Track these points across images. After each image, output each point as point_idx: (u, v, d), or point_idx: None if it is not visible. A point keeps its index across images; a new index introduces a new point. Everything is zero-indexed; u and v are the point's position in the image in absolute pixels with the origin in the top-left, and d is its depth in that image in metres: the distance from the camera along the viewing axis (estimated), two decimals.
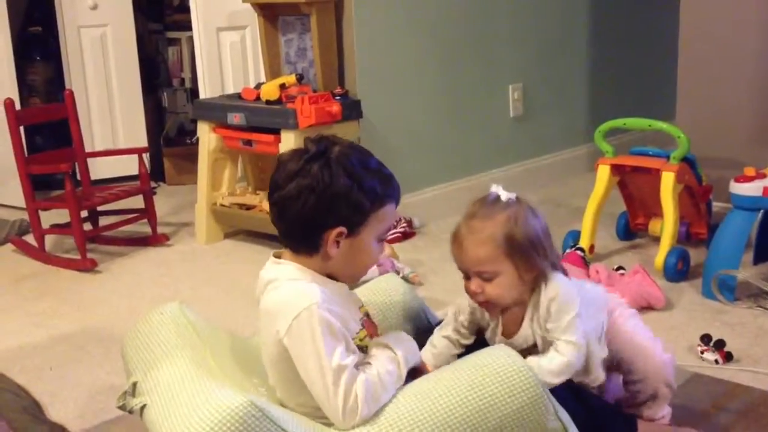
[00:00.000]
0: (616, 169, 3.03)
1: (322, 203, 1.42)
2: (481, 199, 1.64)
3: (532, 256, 1.59)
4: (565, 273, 1.68)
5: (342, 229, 1.43)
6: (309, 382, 1.39)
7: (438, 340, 1.75)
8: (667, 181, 2.85)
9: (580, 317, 1.61)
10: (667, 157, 2.91)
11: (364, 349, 1.49)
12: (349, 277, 1.53)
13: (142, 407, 1.47)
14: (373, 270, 2.38)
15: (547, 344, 1.64)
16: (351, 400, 1.36)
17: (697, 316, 2.58)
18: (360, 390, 1.37)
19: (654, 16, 4.57)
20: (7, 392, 1.31)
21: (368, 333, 1.52)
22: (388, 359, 1.46)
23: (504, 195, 1.62)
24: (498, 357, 1.47)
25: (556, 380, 1.58)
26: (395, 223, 3.45)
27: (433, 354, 1.72)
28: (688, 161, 2.94)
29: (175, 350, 1.54)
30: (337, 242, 1.45)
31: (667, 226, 2.86)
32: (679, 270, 2.82)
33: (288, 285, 1.45)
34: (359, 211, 1.43)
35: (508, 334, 1.68)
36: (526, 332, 1.66)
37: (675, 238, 2.87)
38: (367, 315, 1.57)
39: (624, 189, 3.16)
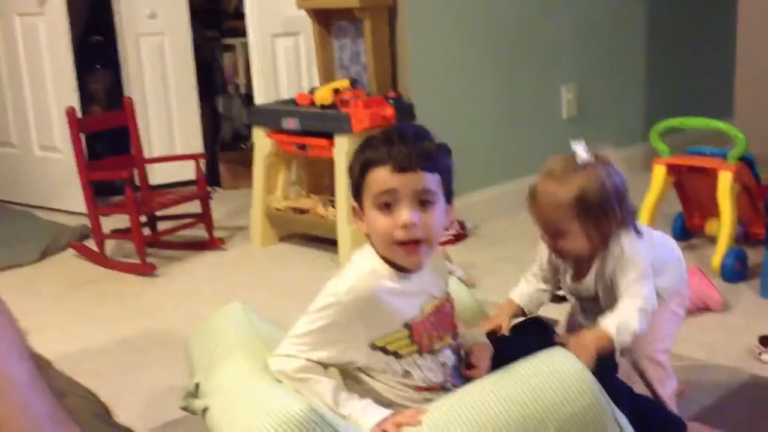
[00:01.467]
0: (672, 169, 3.00)
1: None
2: (560, 158, 1.71)
3: (600, 218, 1.67)
4: (638, 231, 1.73)
5: (354, 203, 1.49)
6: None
7: (527, 280, 1.88)
8: (725, 180, 2.81)
9: (647, 276, 1.67)
10: (725, 157, 2.87)
11: (393, 353, 1.46)
12: (389, 253, 1.45)
13: (204, 409, 1.49)
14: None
15: (612, 299, 1.71)
16: (282, 364, 1.46)
17: (755, 316, 2.54)
18: (296, 372, 1.44)
19: (711, 13, 4.49)
20: (79, 397, 1.36)
21: (417, 336, 1.46)
22: (355, 406, 1.44)
23: (582, 156, 1.68)
24: (555, 360, 1.45)
25: (638, 328, 1.63)
26: (447, 227, 3.45)
27: (520, 295, 1.85)
28: (745, 161, 2.89)
29: (237, 351, 1.56)
30: (360, 217, 1.49)
31: (724, 226, 2.82)
32: (736, 271, 2.78)
33: (347, 268, 1.49)
34: (353, 180, 1.48)
35: (577, 280, 1.79)
36: (589, 282, 1.76)
37: (732, 238, 2.83)
38: (436, 312, 1.51)
39: (680, 189, 3.12)
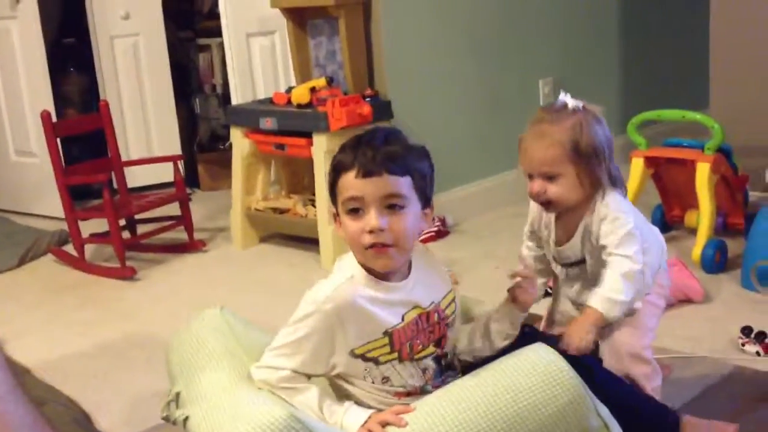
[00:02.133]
0: (650, 161, 3.01)
1: None
2: (549, 105, 1.75)
3: (593, 162, 1.68)
4: (625, 192, 1.76)
5: (332, 207, 1.49)
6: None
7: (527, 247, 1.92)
8: (703, 172, 2.83)
9: (637, 235, 1.68)
10: (702, 148, 2.89)
11: (372, 360, 1.45)
12: (360, 257, 1.44)
13: (185, 419, 1.48)
14: None
15: (599, 262, 1.71)
16: (266, 375, 1.46)
17: (736, 307, 2.55)
18: (279, 382, 1.44)
19: (684, 4, 4.52)
20: (57, 404, 1.34)
21: (397, 344, 1.45)
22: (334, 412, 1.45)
23: (571, 102, 1.71)
24: (537, 357, 1.45)
25: (625, 297, 1.65)
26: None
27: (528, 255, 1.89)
28: (723, 151, 2.91)
29: (216, 359, 1.55)
30: (337, 222, 1.48)
31: (703, 217, 2.84)
32: (717, 262, 2.80)
33: (328, 277, 1.48)
34: (329, 188, 1.48)
35: (560, 243, 1.79)
36: (575, 244, 1.76)
37: (712, 229, 2.84)
38: (419, 320, 1.48)
39: (659, 181, 3.13)
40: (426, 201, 1.48)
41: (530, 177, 1.73)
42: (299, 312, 1.44)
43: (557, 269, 1.86)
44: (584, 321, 1.66)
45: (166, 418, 1.56)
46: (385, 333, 1.44)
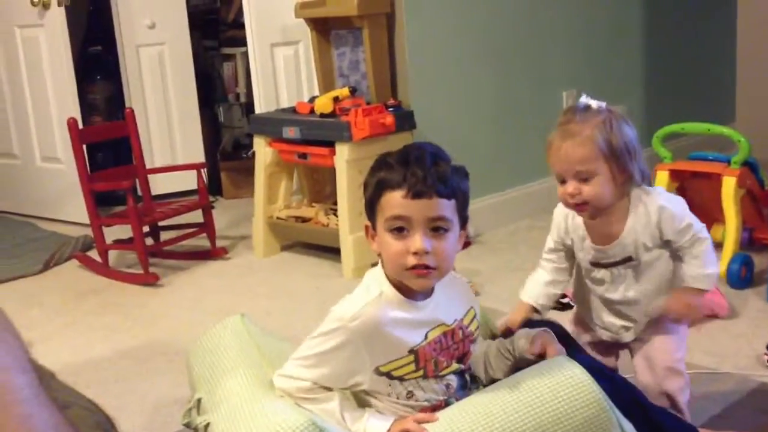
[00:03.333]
0: (675, 174, 2.98)
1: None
2: (573, 108, 1.73)
3: (625, 158, 1.67)
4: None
5: (367, 222, 1.47)
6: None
7: (531, 278, 1.87)
8: (729, 186, 2.80)
9: (691, 217, 1.73)
10: (728, 162, 2.86)
11: (398, 378, 1.44)
12: (399, 276, 1.42)
13: (206, 425, 1.49)
14: None
15: (655, 258, 1.73)
16: (288, 384, 1.46)
17: (762, 323, 2.52)
18: (300, 393, 1.44)
19: (711, 16, 4.49)
20: (80, 408, 1.35)
21: (422, 361, 1.44)
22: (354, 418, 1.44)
23: (594, 103, 1.72)
24: (560, 370, 1.44)
25: (716, 269, 1.73)
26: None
27: (531, 294, 1.84)
28: (749, 165, 2.88)
29: (237, 367, 1.55)
30: (372, 237, 1.47)
31: (729, 232, 2.81)
32: (742, 277, 2.77)
33: (356, 292, 1.47)
34: (367, 202, 1.46)
35: (602, 243, 1.76)
36: (625, 240, 1.73)
37: (738, 244, 2.81)
38: (443, 338, 1.47)
39: (683, 195, 3.08)
40: (464, 222, 1.47)
41: (562, 181, 1.71)
42: (325, 326, 1.43)
43: (597, 273, 1.81)
44: (685, 293, 1.72)
45: (188, 425, 1.56)
46: (411, 351, 1.44)
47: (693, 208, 3.09)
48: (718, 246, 2.93)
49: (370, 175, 1.45)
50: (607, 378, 1.49)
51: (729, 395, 2.10)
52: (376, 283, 1.45)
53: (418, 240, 1.38)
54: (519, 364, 1.56)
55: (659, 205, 1.71)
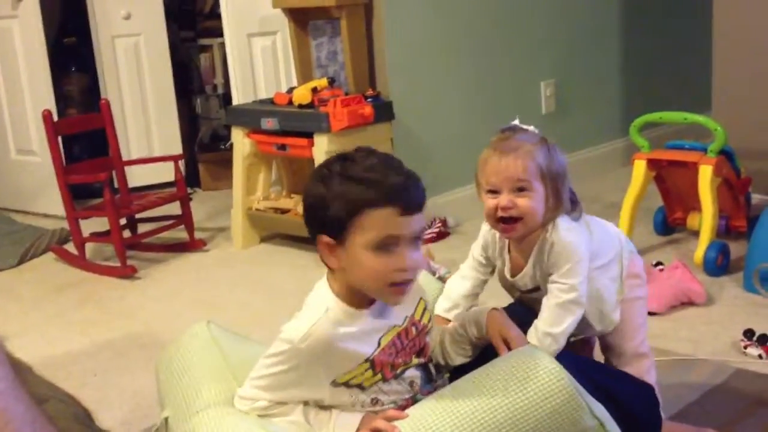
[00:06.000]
0: (652, 163, 3.00)
1: (307, 212, 1.41)
2: (509, 128, 1.70)
3: (559, 182, 1.65)
4: (579, 214, 1.72)
5: (327, 238, 1.37)
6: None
7: (455, 289, 1.79)
8: (705, 174, 2.82)
9: (582, 266, 1.64)
10: (705, 150, 2.88)
11: (356, 386, 1.42)
12: (373, 292, 1.39)
13: None
14: None
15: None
16: (247, 406, 1.44)
17: (739, 310, 2.55)
18: (262, 411, 1.42)
19: (687, 6, 4.52)
20: (58, 401, 1.34)
21: (378, 367, 1.42)
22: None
23: (529, 127, 1.70)
24: (527, 360, 1.43)
25: (560, 329, 1.62)
26: (429, 223, 3.45)
27: (446, 309, 1.76)
28: (725, 154, 2.90)
29: (203, 382, 1.53)
30: (333, 252, 1.38)
31: (705, 220, 2.83)
32: (719, 264, 2.79)
33: (303, 311, 1.43)
34: (334, 218, 1.34)
35: (514, 274, 1.73)
36: (528, 272, 1.70)
37: (714, 231, 2.84)
38: (397, 339, 1.44)
39: (661, 183, 3.13)
40: None
41: (491, 192, 1.65)
42: (276, 347, 1.39)
43: (514, 295, 1.81)
44: (513, 338, 1.59)
45: None
46: (366, 360, 1.41)
47: (670, 196, 3.15)
48: (695, 234, 2.97)
49: (332, 188, 1.35)
50: (570, 359, 1.49)
51: (706, 382, 2.12)
52: (321, 299, 1.41)
53: (408, 257, 1.34)
54: (478, 348, 1.56)
55: (556, 237, 1.65)
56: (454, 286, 1.80)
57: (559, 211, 1.66)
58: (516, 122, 1.72)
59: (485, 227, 1.78)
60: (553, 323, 1.63)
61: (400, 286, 1.36)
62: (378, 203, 1.32)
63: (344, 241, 1.35)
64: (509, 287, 1.80)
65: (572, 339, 1.78)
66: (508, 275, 1.75)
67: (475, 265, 1.80)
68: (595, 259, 1.70)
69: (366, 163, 1.36)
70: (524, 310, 1.74)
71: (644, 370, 1.79)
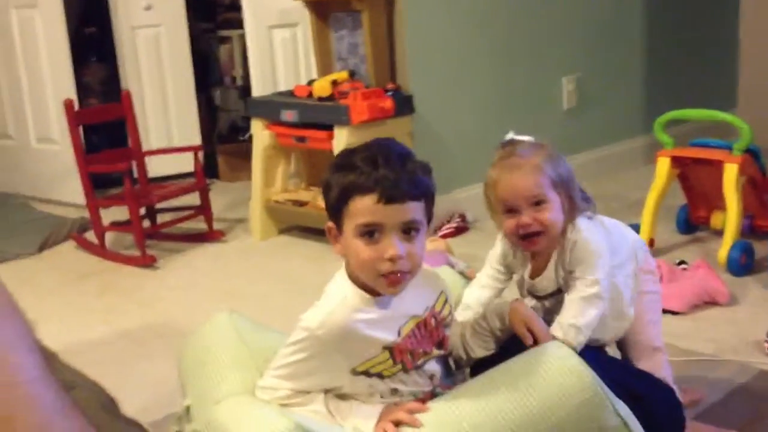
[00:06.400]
0: (676, 161, 2.98)
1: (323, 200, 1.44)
2: (507, 143, 1.68)
3: (569, 186, 1.65)
4: (594, 212, 1.71)
5: (331, 224, 1.41)
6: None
7: (474, 298, 1.75)
8: (730, 173, 2.79)
9: (604, 261, 1.64)
10: (730, 149, 2.85)
11: (376, 375, 1.42)
12: (369, 281, 1.39)
13: None
14: None
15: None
16: (268, 395, 1.45)
17: (762, 311, 2.52)
18: (282, 400, 1.43)
19: (713, 2, 4.47)
20: (85, 389, 1.34)
21: (398, 356, 1.42)
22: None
23: (525, 138, 1.69)
24: (550, 357, 1.42)
25: (585, 321, 1.60)
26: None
27: (466, 318, 1.72)
28: (751, 152, 2.87)
29: (225, 371, 1.53)
30: (336, 239, 1.42)
31: (730, 219, 2.80)
32: (743, 264, 2.76)
33: (322, 299, 1.43)
34: (331, 204, 1.39)
35: (534, 276, 1.72)
36: (549, 275, 1.69)
37: (738, 231, 2.81)
38: (417, 329, 1.45)
39: (684, 181, 3.10)
40: (430, 219, 1.42)
41: (510, 212, 1.63)
42: (295, 335, 1.41)
43: (531, 303, 1.78)
44: (539, 333, 1.58)
45: None
46: (385, 348, 1.41)
47: (694, 194, 3.12)
48: (718, 233, 2.94)
49: (333, 176, 1.39)
50: (592, 356, 1.47)
51: (729, 382, 2.10)
52: (338, 287, 1.42)
53: (392, 246, 1.34)
54: (500, 341, 1.55)
55: (577, 236, 1.65)
56: (474, 295, 1.78)
57: (576, 213, 1.66)
58: (511, 135, 1.70)
59: (501, 236, 1.76)
60: (578, 315, 1.62)
61: (390, 277, 1.36)
62: (363, 190, 1.34)
63: (341, 228, 1.39)
64: (527, 292, 1.78)
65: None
66: (527, 277, 1.74)
67: (493, 273, 1.79)
68: (612, 257, 1.69)
69: (365, 153, 1.38)
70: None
71: (659, 365, 1.78)
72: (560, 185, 1.63)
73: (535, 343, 1.50)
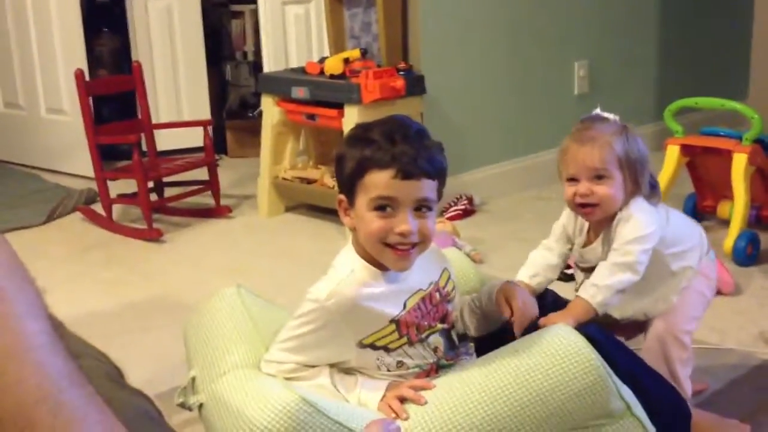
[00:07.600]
0: (685, 149, 2.97)
1: (335, 173, 1.46)
2: (590, 117, 1.77)
3: (638, 169, 1.70)
4: (657, 200, 1.76)
5: (343, 197, 1.43)
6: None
7: (538, 259, 1.83)
8: (739, 162, 2.79)
9: (646, 241, 1.68)
10: (740, 138, 2.84)
11: (383, 348, 1.44)
12: (377, 254, 1.41)
13: (200, 405, 1.49)
14: None
15: None
16: (273, 369, 1.46)
17: (767, 301, 2.52)
18: (288, 374, 1.44)
19: None
20: (91, 358, 1.35)
21: (404, 329, 1.44)
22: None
23: (610, 115, 1.75)
24: (556, 338, 1.43)
25: (610, 282, 1.65)
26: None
27: (530, 276, 1.81)
28: (761, 143, 2.86)
29: (231, 344, 1.54)
30: (347, 212, 1.44)
31: (737, 208, 2.80)
32: (748, 254, 2.76)
33: (329, 272, 1.45)
34: (345, 177, 1.41)
35: (585, 245, 1.80)
36: (596, 247, 1.77)
37: (745, 221, 2.81)
38: (422, 303, 1.47)
39: (693, 170, 3.09)
40: (439, 198, 1.44)
41: (571, 181, 1.72)
42: (303, 307, 1.42)
43: (578, 275, 1.84)
44: (567, 313, 1.64)
45: (182, 404, 1.56)
46: (392, 321, 1.43)
47: (702, 183, 3.11)
48: (725, 223, 2.94)
49: (349, 148, 1.40)
50: (602, 342, 1.48)
51: (731, 371, 2.11)
52: (346, 260, 1.44)
53: (404, 222, 1.36)
54: (489, 321, 1.57)
55: (627, 213, 1.71)
56: (538, 256, 1.85)
57: (637, 195, 1.72)
58: (597, 111, 1.78)
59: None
60: (603, 277, 1.68)
61: (399, 250, 1.38)
62: (381, 164, 1.35)
63: (354, 201, 1.40)
64: (575, 265, 1.86)
65: (623, 321, 1.82)
66: (579, 246, 1.82)
67: (556, 238, 1.87)
68: (671, 246, 1.75)
69: (383, 127, 1.39)
70: None
71: (677, 359, 1.79)
72: (627, 166, 1.69)
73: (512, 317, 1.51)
